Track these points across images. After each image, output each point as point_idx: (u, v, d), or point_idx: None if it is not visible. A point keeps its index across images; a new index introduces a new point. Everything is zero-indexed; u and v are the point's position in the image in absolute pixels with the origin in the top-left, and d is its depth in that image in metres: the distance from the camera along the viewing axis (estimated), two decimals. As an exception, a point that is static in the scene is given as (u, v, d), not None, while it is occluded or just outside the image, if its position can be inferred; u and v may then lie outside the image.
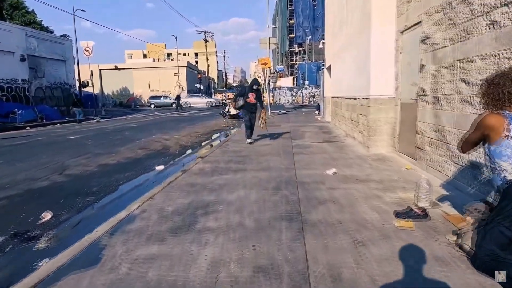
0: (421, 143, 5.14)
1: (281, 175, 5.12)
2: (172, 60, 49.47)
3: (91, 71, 25.52)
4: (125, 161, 7.29)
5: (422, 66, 5.05)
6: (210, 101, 38.13)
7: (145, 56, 76.54)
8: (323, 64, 21.48)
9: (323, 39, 17.54)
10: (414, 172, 5.06)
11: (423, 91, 5.05)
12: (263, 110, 8.77)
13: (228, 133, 12.61)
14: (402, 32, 6.07)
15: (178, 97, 32.98)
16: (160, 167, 6.59)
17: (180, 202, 3.93)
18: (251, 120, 8.41)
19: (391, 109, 6.55)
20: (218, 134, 12.40)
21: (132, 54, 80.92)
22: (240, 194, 4.17)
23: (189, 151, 8.79)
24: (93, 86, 26.08)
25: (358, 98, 7.71)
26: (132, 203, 3.98)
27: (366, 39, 6.92)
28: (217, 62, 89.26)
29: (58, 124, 18.89)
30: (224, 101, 36.25)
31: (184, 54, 79.37)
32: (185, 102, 36.49)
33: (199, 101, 38.31)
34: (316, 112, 20.95)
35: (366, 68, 6.95)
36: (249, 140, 8.41)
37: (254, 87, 8.25)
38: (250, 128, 8.48)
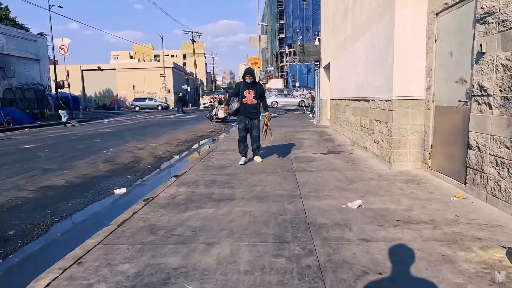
0: (478, 162, 3.68)
1: (284, 209, 3.58)
2: (159, 61, 47.49)
3: (67, 71, 23.51)
4: (77, 182, 5.63)
5: (481, 54, 3.60)
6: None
7: (131, 57, 74.32)
8: (317, 65, 20.20)
9: (319, 36, 16.14)
10: (470, 204, 3.58)
11: (482, 89, 3.59)
12: (267, 113, 6.12)
13: (215, 139, 11.05)
14: (437, 14, 4.64)
15: (179, 99, 30.11)
16: (120, 191, 4.99)
17: (123, 273, 2.35)
18: (252, 129, 5.97)
19: (420, 114, 5.11)
20: (202, 142, 10.79)
21: (118, 55, 78.48)
22: (224, 252, 2.62)
23: (164, 165, 7.15)
24: (69, 87, 24.08)
25: (373, 100, 6.24)
26: (44, 274, 2.39)
27: (386, 25, 5.46)
28: (206, 64, 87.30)
29: (27, 129, 16.98)
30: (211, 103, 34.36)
31: (172, 56, 77.31)
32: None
33: None
34: (310, 115, 19.56)
35: (386, 62, 5.49)
36: (242, 161, 6.04)
37: (248, 79, 5.79)
38: (245, 142, 6.03)
